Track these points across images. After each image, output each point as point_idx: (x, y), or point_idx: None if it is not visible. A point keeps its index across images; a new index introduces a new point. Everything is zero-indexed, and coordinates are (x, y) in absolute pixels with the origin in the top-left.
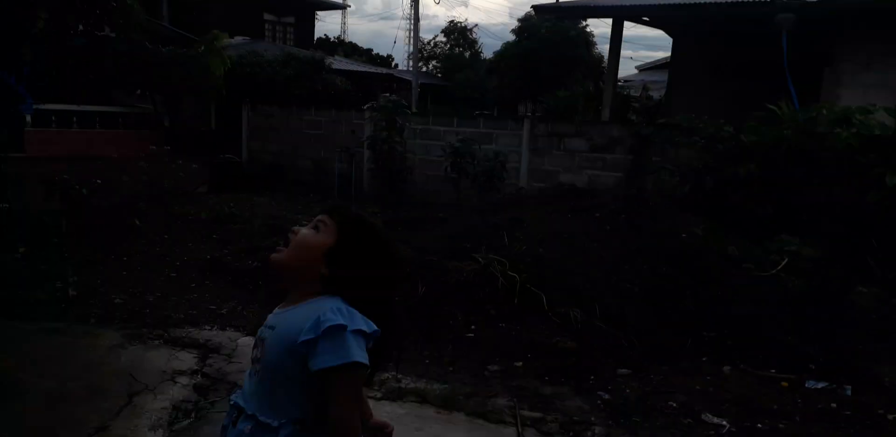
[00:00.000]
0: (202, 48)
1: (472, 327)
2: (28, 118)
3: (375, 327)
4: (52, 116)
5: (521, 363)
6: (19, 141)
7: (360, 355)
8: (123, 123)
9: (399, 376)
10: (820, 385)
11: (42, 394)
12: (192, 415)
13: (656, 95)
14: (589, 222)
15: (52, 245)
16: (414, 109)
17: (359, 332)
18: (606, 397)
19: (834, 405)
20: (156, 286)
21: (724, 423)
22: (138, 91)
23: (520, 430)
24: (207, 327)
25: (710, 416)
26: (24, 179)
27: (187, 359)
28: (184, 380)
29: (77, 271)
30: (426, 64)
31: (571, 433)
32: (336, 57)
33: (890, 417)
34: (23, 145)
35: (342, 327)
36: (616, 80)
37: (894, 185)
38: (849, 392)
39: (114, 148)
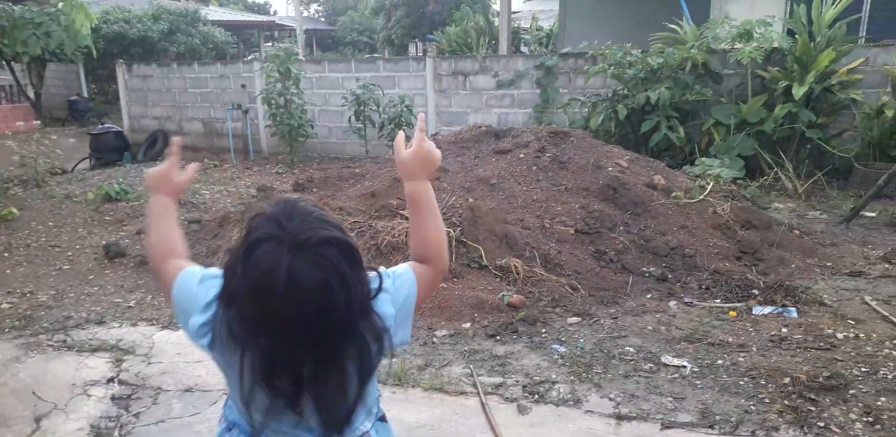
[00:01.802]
0: (59, 4)
1: None
2: None
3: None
4: None
5: (469, 324)
6: None
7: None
8: None
9: None
10: (766, 311)
11: None
12: (116, 434)
13: (546, 25)
14: (514, 164)
15: None
16: (302, 57)
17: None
18: (562, 349)
19: (784, 329)
20: (48, 283)
21: (685, 363)
22: None
23: (483, 400)
24: (116, 325)
25: (669, 358)
26: None
27: (99, 365)
28: (98, 392)
29: None
30: (307, 8)
31: (536, 395)
32: (210, 7)
33: (840, 335)
34: None
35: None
36: (510, 11)
37: (800, 97)
38: (795, 315)
39: None
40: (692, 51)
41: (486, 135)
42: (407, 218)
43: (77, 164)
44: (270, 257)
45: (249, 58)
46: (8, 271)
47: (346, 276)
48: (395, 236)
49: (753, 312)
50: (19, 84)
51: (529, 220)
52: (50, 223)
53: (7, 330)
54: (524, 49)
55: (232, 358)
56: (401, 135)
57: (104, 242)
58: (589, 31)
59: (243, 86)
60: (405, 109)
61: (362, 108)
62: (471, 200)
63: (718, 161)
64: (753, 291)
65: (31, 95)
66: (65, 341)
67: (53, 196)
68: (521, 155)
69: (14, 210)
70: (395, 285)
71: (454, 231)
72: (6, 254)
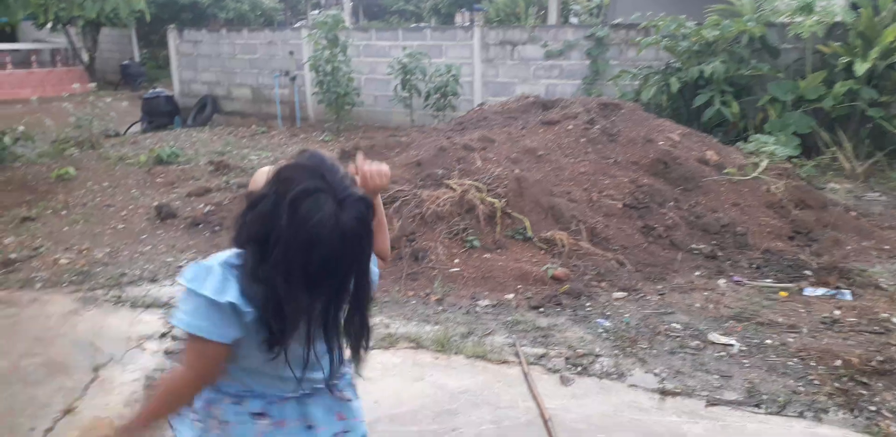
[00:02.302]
0: None
1: (456, 260)
2: None
3: (233, 298)
4: None
5: (512, 296)
6: None
7: (194, 325)
8: (38, 60)
9: (387, 320)
10: (819, 292)
11: None
12: None
13: None
14: (562, 135)
15: None
16: (349, 25)
17: (206, 299)
18: (607, 324)
19: (837, 312)
20: (103, 241)
21: (733, 342)
22: (48, 24)
23: (525, 369)
24: (168, 283)
25: (716, 336)
26: None
27: (152, 321)
28: (152, 346)
29: (13, 230)
30: None
31: (579, 368)
32: None
33: (895, 320)
34: None
35: (190, 289)
36: None
37: (862, 73)
38: (849, 297)
39: (31, 89)
40: (749, 24)
41: (533, 105)
42: (452, 188)
43: (129, 127)
44: (320, 208)
45: (297, 25)
46: (66, 229)
47: (371, 229)
48: (439, 206)
49: (805, 293)
50: (74, 48)
51: (576, 193)
52: (105, 184)
53: (66, 284)
54: (573, 20)
55: (258, 326)
56: (360, 154)
57: (156, 203)
58: (640, 3)
59: (291, 53)
60: (451, 78)
61: (408, 76)
62: (517, 171)
63: (773, 138)
64: (806, 272)
65: (86, 58)
66: (119, 297)
67: (107, 157)
68: (570, 126)
69: (71, 170)
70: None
71: (499, 202)
72: (64, 212)
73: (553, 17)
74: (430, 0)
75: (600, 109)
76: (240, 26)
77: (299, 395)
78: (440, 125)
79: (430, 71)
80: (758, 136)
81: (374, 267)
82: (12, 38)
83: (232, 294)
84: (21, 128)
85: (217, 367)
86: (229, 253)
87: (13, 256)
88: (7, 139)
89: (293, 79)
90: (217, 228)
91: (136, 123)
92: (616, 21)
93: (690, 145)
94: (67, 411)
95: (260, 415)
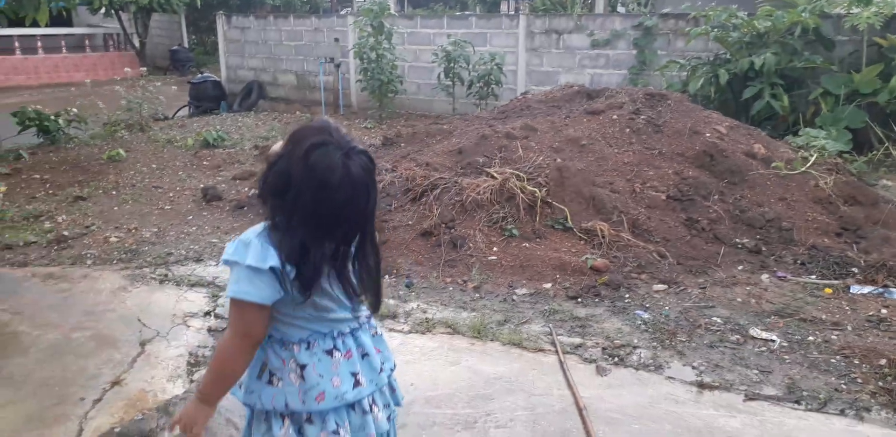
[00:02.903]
0: None
1: (495, 248)
2: None
3: (274, 262)
4: (15, 41)
5: (550, 285)
6: None
7: (242, 291)
8: (91, 45)
9: (424, 305)
10: (865, 290)
11: (46, 347)
12: None
13: None
14: (606, 125)
15: (35, 182)
16: (394, 12)
17: (249, 267)
18: (646, 315)
19: (884, 310)
20: (151, 221)
21: (774, 337)
22: (101, 9)
23: (561, 358)
24: (212, 264)
25: (757, 331)
26: None
27: (197, 299)
28: (196, 323)
29: (66, 208)
30: None
31: (616, 358)
32: None
33: None
34: None
35: (234, 262)
36: None
37: None
38: None
39: (84, 73)
40: (803, 14)
41: (577, 94)
42: (493, 176)
43: (177, 111)
44: (328, 157)
45: (343, 12)
46: (116, 208)
47: (375, 179)
48: (479, 194)
49: (851, 290)
50: (126, 33)
51: (619, 183)
52: (153, 165)
53: (115, 261)
54: (621, 9)
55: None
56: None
57: (202, 185)
58: None
59: (336, 39)
60: (495, 66)
61: (452, 65)
62: (559, 160)
63: (824, 133)
64: (853, 269)
65: (137, 43)
66: (166, 275)
67: (156, 140)
68: (615, 116)
69: (122, 152)
70: None
71: (539, 191)
72: (114, 192)
73: (600, 6)
74: None
75: (646, 99)
76: (286, 13)
77: (350, 330)
78: (482, 113)
79: (473, 59)
80: (808, 130)
81: None
82: (67, 22)
83: (273, 260)
84: (75, 110)
85: (263, 325)
86: (262, 225)
87: (66, 233)
88: (62, 121)
89: (338, 66)
90: (262, 210)
91: (184, 107)
92: (665, 10)
93: (738, 138)
94: (115, 382)
95: (331, 351)
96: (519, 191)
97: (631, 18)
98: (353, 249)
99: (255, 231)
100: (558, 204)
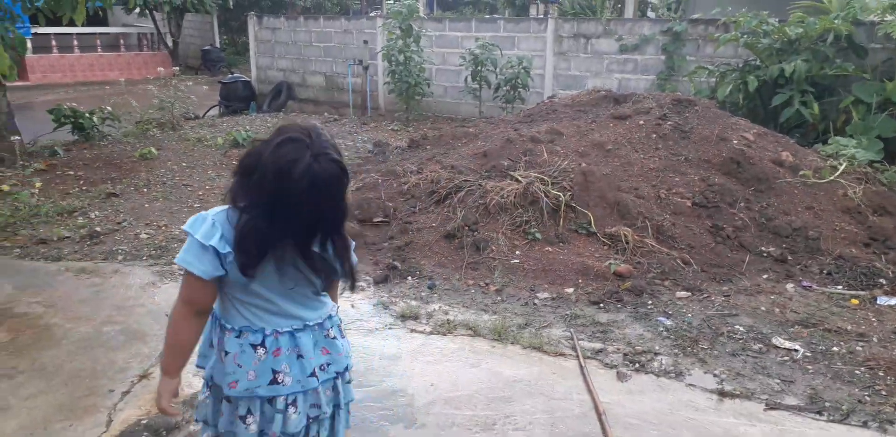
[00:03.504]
0: None
1: (517, 251)
2: (28, 44)
3: (215, 242)
4: (52, 40)
5: (572, 290)
6: (21, 68)
7: (186, 260)
8: (125, 44)
9: (445, 307)
10: (893, 302)
11: (78, 340)
12: None
13: None
14: (632, 130)
15: (70, 178)
16: (423, 15)
17: (197, 241)
18: (668, 322)
19: None
20: (180, 218)
21: (797, 347)
22: (136, 8)
23: (582, 363)
24: None
25: (781, 340)
26: (31, 108)
27: None
28: None
29: (98, 204)
30: None
31: (637, 364)
32: None
33: None
34: (25, 73)
35: (188, 233)
36: None
37: None
38: None
39: (118, 72)
40: (836, 21)
41: (604, 99)
42: (517, 180)
43: (208, 110)
44: (296, 151)
45: (372, 14)
46: (147, 205)
47: (344, 186)
48: (503, 197)
49: (878, 302)
50: (159, 33)
51: (644, 189)
52: (183, 164)
53: (145, 258)
54: (651, 14)
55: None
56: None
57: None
58: None
59: (365, 42)
60: (522, 70)
61: (479, 68)
62: (584, 165)
63: (854, 141)
64: (880, 280)
65: (170, 43)
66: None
67: (187, 139)
68: (641, 122)
69: (154, 150)
70: None
71: (564, 195)
72: (145, 189)
73: (630, 11)
74: None
75: (673, 105)
76: (316, 14)
77: (292, 330)
78: (508, 117)
79: (501, 62)
80: (837, 138)
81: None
82: (103, 22)
83: (215, 240)
84: (108, 108)
85: (202, 297)
86: (225, 207)
87: (98, 229)
88: (96, 119)
89: (366, 68)
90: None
91: (214, 106)
92: (695, 16)
93: (765, 145)
94: (143, 376)
95: (256, 346)
96: (543, 195)
97: (660, 23)
98: (316, 249)
99: (215, 210)
100: (582, 209)
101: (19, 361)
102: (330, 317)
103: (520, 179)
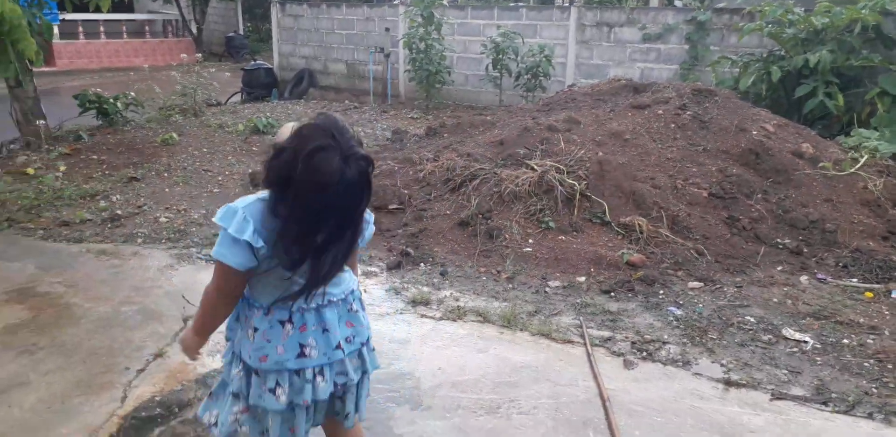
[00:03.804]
0: None
1: (530, 240)
2: (55, 30)
3: (248, 237)
4: (79, 26)
5: (583, 278)
6: (48, 54)
7: (220, 253)
8: (151, 30)
9: (456, 294)
10: None
11: (97, 319)
12: None
13: None
14: (651, 120)
15: (93, 162)
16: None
17: (230, 235)
18: (678, 312)
19: None
20: (200, 203)
21: (807, 339)
22: None
23: (589, 350)
24: None
25: (791, 331)
26: (57, 93)
27: None
28: None
29: (120, 188)
30: None
31: (644, 353)
32: None
33: None
34: (52, 58)
35: (221, 227)
36: None
37: None
38: None
39: (143, 58)
40: (863, 11)
41: (624, 88)
42: (533, 168)
43: (230, 97)
44: (328, 161)
45: (395, 1)
46: (167, 190)
47: (370, 181)
48: (517, 185)
49: (893, 295)
50: (184, 19)
51: (661, 179)
52: (204, 149)
53: (164, 241)
54: (678, 3)
55: (276, 254)
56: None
57: (250, 170)
58: None
59: (387, 29)
60: (544, 58)
61: (500, 56)
62: (600, 154)
63: (877, 133)
64: None
65: (194, 30)
66: (210, 256)
67: (209, 125)
68: (660, 111)
69: (175, 136)
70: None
71: (579, 184)
72: (166, 174)
73: (655, 0)
74: None
75: (693, 94)
76: (339, 2)
77: (316, 306)
78: (527, 105)
79: (522, 51)
80: (860, 130)
81: (370, 217)
82: (129, 8)
83: (248, 234)
84: (132, 94)
85: (236, 286)
86: (258, 194)
87: (119, 212)
88: (120, 104)
89: (387, 56)
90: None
91: (237, 93)
92: (720, 5)
93: (786, 137)
94: (158, 354)
95: (284, 322)
96: (557, 183)
97: (684, 12)
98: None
99: (245, 201)
100: (597, 198)
101: (40, 338)
102: (352, 291)
103: (535, 167)
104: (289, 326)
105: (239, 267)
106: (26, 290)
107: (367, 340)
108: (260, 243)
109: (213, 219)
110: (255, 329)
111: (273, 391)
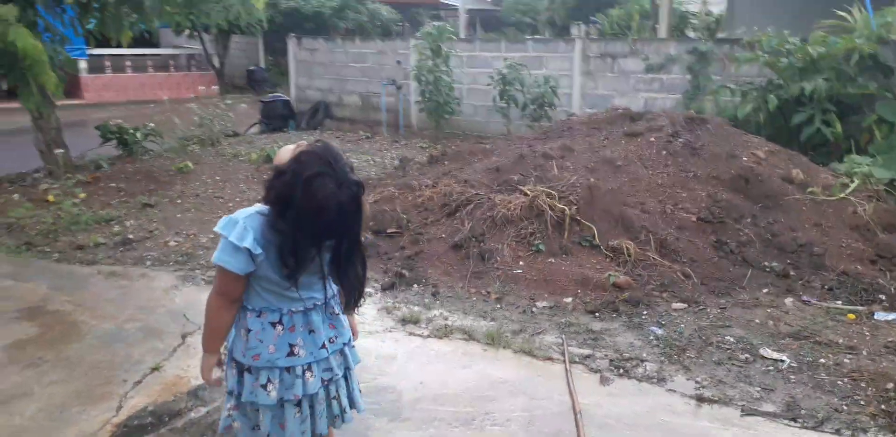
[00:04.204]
0: None
1: (521, 262)
2: (84, 65)
3: (249, 244)
4: (106, 61)
5: (570, 299)
6: (76, 87)
7: (222, 259)
8: (175, 64)
9: (446, 313)
10: (891, 317)
11: (101, 335)
12: None
13: (717, 10)
14: (643, 147)
15: (111, 190)
16: (462, 36)
17: (231, 242)
18: (659, 332)
19: None
20: (209, 228)
21: (784, 358)
22: (186, 31)
23: (567, 367)
24: None
25: (768, 351)
26: (84, 125)
27: None
28: None
29: (134, 214)
30: None
31: (622, 370)
32: None
33: None
34: (80, 91)
35: (221, 235)
36: None
37: None
38: None
39: (168, 91)
40: (858, 40)
41: (621, 117)
42: (525, 194)
43: (248, 128)
44: (326, 189)
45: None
46: (178, 215)
47: (361, 204)
48: (510, 210)
49: (875, 317)
50: (207, 54)
51: (651, 204)
52: (217, 177)
53: (171, 264)
54: (691, 34)
55: (274, 260)
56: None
57: (259, 197)
58: (760, 17)
59: (398, 62)
60: (549, 89)
61: (507, 87)
62: (592, 179)
63: (869, 159)
64: (881, 296)
65: (217, 64)
66: (213, 277)
67: (223, 154)
68: (652, 139)
69: (190, 164)
70: None
71: (569, 209)
72: (179, 200)
73: (663, 31)
74: (546, 12)
75: (686, 122)
76: (353, 36)
77: (304, 309)
78: (526, 134)
79: (528, 82)
80: (853, 156)
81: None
82: (155, 44)
83: (248, 242)
84: (151, 125)
85: (236, 289)
86: (256, 208)
87: (131, 236)
88: (139, 135)
89: (399, 87)
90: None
91: (255, 124)
92: (721, 36)
93: (777, 163)
94: (155, 368)
95: (275, 324)
96: (548, 208)
97: (686, 43)
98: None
99: (245, 213)
100: (587, 222)
101: (46, 352)
102: (334, 296)
103: (527, 192)
104: (279, 327)
105: (240, 272)
106: (37, 308)
107: (349, 340)
108: (259, 251)
109: (215, 228)
110: (249, 330)
111: (265, 386)
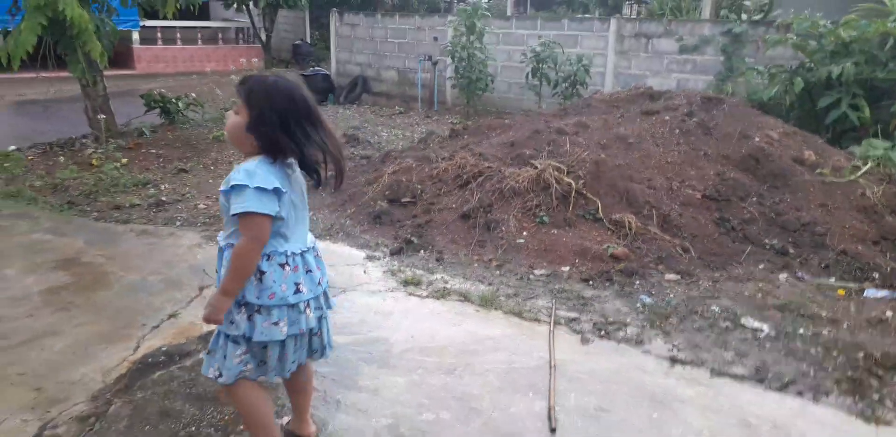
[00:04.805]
0: None
1: (525, 233)
2: (136, 36)
3: (278, 184)
4: (158, 32)
5: (567, 268)
6: (129, 58)
7: (256, 206)
8: (223, 37)
9: (447, 277)
10: (880, 294)
11: (127, 285)
12: None
13: None
14: (657, 125)
15: (151, 155)
16: (508, 14)
17: (259, 189)
18: (648, 300)
19: (889, 312)
20: None
21: (764, 327)
22: (234, 5)
23: (552, 327)
24: None
25: (750, 320)
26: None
27: None
28: None
29: (170, 178)
30: None
31: (603, 332)
32: None
33: None
34: (132, 62)
35: (242, 186)
36: None
37: None
38: None
39: (215, 63)
40: (891, 24)
41: (641, 96)
42: (535, 167)
43: None
44: (286, 84)
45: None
46: (210, 181)
47: (308, 98)
48: (518, 182)
49: (866, 294)
50: (255, 27)
51: (658, 180)
52: None
53: (199, 224)
54: (744, 16)
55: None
56: None
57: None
58: (807, 1)
59: (435, 38)
60: (581, 68)
61: (540, 65)
62: (602, 155)
63: (886, 143)
64: (874, 274)
65: (264, 37)
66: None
67: None
68: (667, 117)
69: (225, 133)
70: None
71: (576, 183)
72: (212, 167)
73: (707, 12)
74: None
75: (703, 102)
76: (393, 12)
77: (301, 252)
78: (546, 111)
79: (561, 60)
80: (871, 140)
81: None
82: (205, 16)
83: (276, 183)
84: (193, 95)
85: (266, 232)
86: (253, 161)
87: (164, 198)
88: (181, 104)
89: (435, 64)
90: (334, 191)
91: None
92: (756, 17)
93: (789, 144)
94: (172, 315)
95: (283, 265)
96: (554, 181)
97: (720, 25)
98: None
99: (252, 164)
100: (592, 196)
101: (76, 298)
102: (314, 243)
103: (537, 166)
104: (287, 268)
105: (272, 212)
106: (72, 260)
107: (327, 280)
108: (286, 189)
109: (232, 183)
110: (263, 272)
111: (276, 324)
